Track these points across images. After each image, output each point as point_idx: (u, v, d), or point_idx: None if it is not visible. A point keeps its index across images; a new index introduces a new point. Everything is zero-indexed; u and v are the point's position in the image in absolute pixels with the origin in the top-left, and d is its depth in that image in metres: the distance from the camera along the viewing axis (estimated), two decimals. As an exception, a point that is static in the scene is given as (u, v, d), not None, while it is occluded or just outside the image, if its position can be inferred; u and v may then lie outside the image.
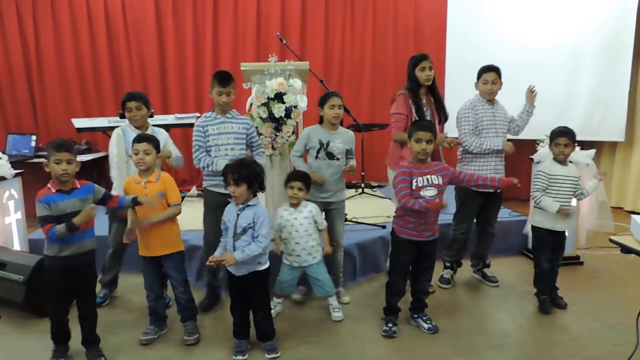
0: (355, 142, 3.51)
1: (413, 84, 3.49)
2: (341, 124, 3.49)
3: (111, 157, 3.36)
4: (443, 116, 3.60)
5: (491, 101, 3.63)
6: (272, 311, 3.16)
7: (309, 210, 3.23)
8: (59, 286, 2.64)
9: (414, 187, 2.91)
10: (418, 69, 3.45)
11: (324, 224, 3.30)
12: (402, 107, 3.50)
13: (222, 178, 3.06)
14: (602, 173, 3.44)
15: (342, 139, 3.39)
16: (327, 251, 3.32)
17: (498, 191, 3.61)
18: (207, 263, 2.72)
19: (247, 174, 2.65)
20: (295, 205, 3.22)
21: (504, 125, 3.67)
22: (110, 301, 3.57)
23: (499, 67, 3.58)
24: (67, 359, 2.78)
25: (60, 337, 2.76)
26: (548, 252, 3.37)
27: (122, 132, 3.35)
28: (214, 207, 3.21)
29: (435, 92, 3.57)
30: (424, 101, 3.53)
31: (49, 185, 2.57)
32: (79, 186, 2.63)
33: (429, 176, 2.93)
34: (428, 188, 2.91)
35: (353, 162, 3.47)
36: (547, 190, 3.31)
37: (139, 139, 2.87)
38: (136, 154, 2.84)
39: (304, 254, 3.20)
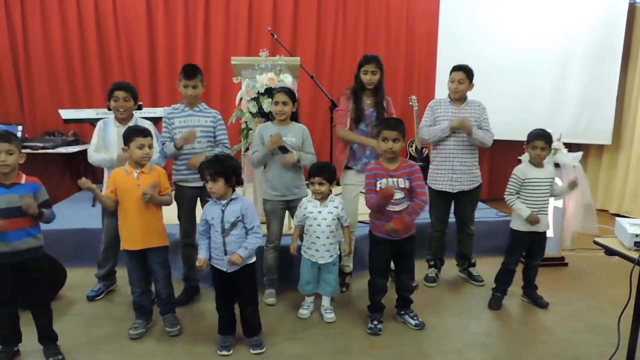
0: (309, 135, 3.37)
1: (356, 85, 3.49)
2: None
3: (90, 147, 3.30)
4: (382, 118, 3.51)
5: (458, 100, 3.62)
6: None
7: (335, 206, 3.15)
8: None
9: (377, 189, 2.92)
10: (361, 72, 3.44)
11: (348, 220, 3.22)
12: (343, 104, 3.53)
13: (195, 172, 3.07)
14: (572, 183, 3.34)
15: (293, 133, 3.29)
16: (345, 250, 3.26)
17: (469, 190, 3.65)
18: (200, 267, 2.70)
19: (222, 169, 2.62)
20: (321, 199, 3.14)
21: None
22: (106, 295, 3.53)
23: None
24: None
25: (5, 334, 2.61)
26: (519, 255, 3.43)
27: (103, 125, 3.30)
28: (188, 201, 3.25)
29: (377, 95, 3.48)
30: (368, 102, 3.50)
31: None
32: (23, 182, 2.49)
33: (395, 179, 2.92)
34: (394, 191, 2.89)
35: (294, 155, 3.23)
36: (520, 193, 3.32)
37: (143, 133, 2.79)
38: (140, 148, 2.77)
39: (323, 249, 3.13)
